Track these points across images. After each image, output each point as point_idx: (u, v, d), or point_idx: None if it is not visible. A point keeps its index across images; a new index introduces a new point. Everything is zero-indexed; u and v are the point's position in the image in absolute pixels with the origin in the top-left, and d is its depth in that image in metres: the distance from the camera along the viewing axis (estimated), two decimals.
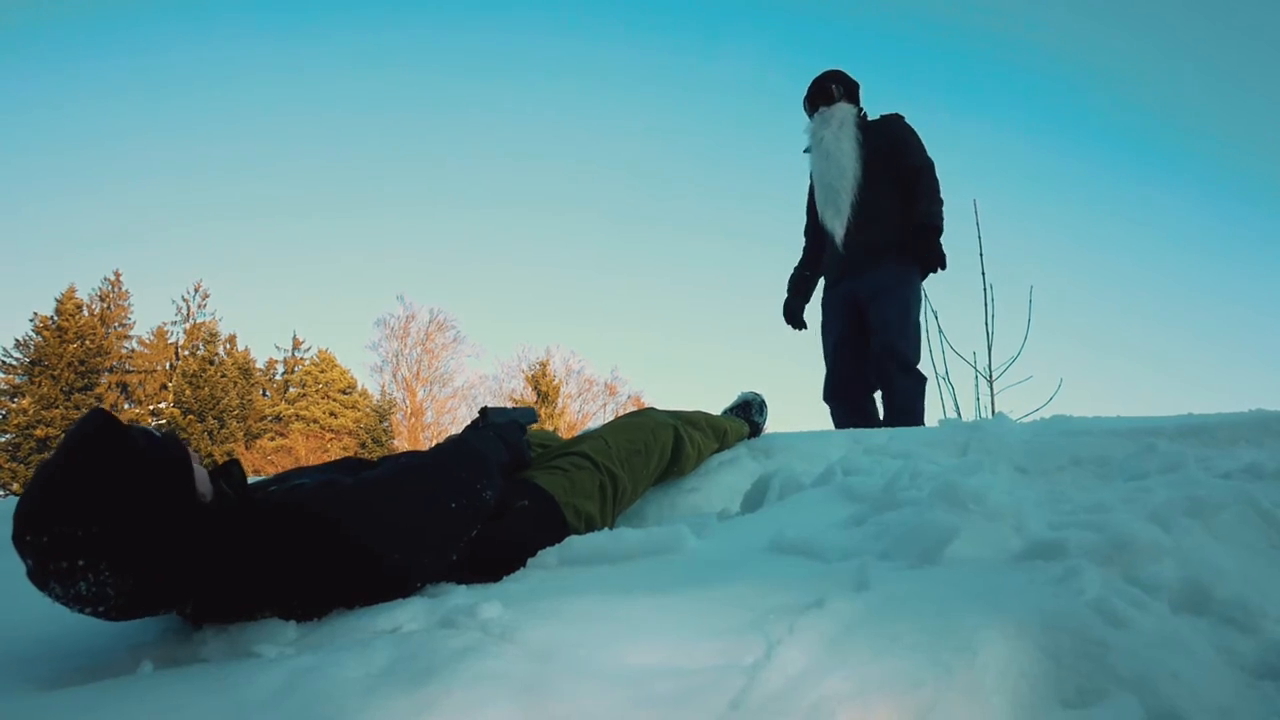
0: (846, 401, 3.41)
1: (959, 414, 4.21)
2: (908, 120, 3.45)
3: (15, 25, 30.96)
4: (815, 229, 3.60)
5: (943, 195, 3.31)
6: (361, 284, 37.57)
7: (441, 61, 37.09)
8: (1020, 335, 4.25)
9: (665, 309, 38.54)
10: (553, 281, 38.12)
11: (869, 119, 3.48)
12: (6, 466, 22.16)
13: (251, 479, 1.38)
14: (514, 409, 1.75)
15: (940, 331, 4.28)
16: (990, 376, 4.22)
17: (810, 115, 3.54)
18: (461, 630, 0.95)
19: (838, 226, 3.36)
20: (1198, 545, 1.13)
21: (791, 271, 3.73)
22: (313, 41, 35.25)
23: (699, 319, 38.04)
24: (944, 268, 3.29)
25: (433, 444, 1.49)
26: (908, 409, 3.18)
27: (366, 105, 36.42)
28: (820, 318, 3.55)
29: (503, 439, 1.58)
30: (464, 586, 1.22)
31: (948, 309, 4.26)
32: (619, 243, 38.79)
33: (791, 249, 3.72)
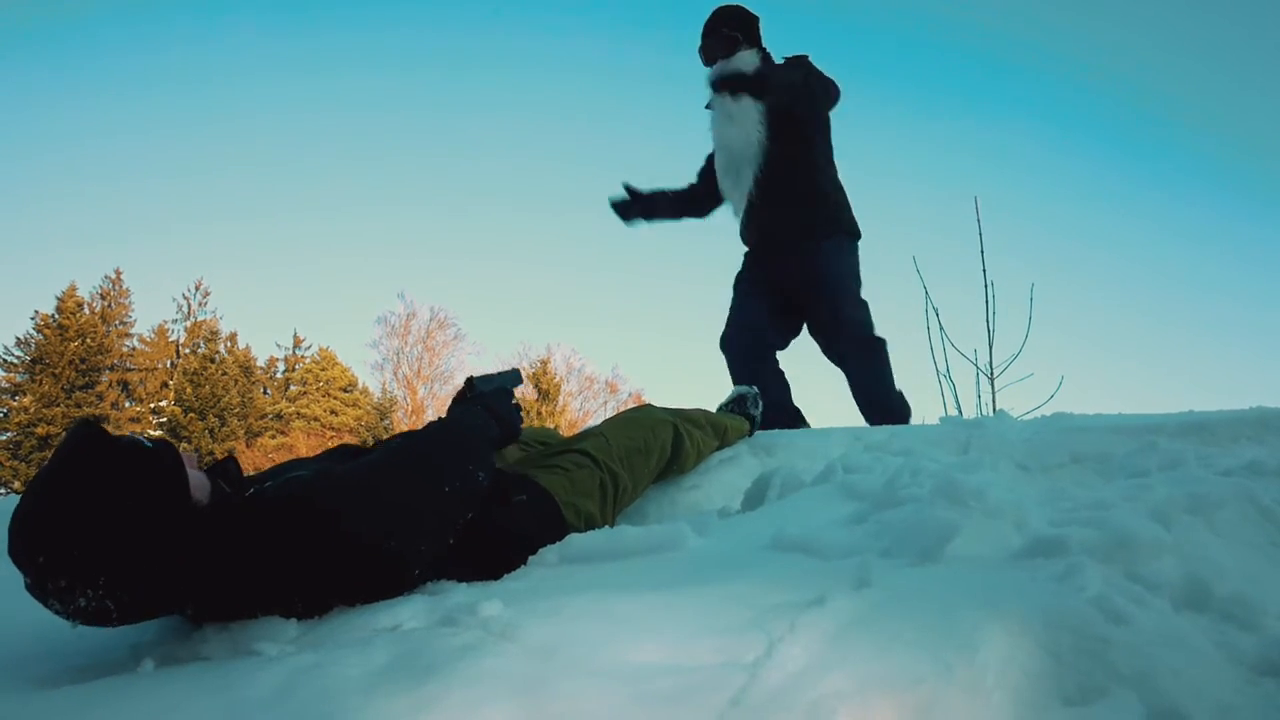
0: (744, 352, 3.01)
1: (960, 411, 4.20)
2: (813, 61, 2.96)
3: (16, 24, 30.93)
4: (709, 175, 3.16)
5: (809, 82, 2.83)
6: (362, 282, 37.66)
7: (443, 60, 37.07)
8: (1021, 332, 4.23)
9: (666, 307, 38.57)
10: (554, 279, 38.17)
11: (773, 64, 2.99)
12: (8, 465, 22.18)
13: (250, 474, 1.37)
14: (499, 374, 1.71)
15: (941, 329, 4.27)
16: (991, 374, 4.21)
17: (707, 65, 3.03)
18: (462, 628, 0.95)
19: (738, 197, 2.96)
20: (1198, 542, 1.13)
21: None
22: (314, 40, 35.24)
23: (701, 317, 38.07)
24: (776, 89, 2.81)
25: None
26: (876, 376, 2.89)
27: (367, 103, 36.43)
28: (737, 279, 3.15)
29: (492, 412, 1.54)
30: (464, 585, 1.22)
31: (949, 306, 4.25)
32: (620, 241, 38.75)
33: None
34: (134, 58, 34.26)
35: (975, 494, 1.23)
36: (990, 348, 4.23)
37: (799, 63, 2.93)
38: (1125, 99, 34.56)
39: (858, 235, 3.04)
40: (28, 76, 33.12)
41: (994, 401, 4.15)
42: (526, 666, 0.82)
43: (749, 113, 2.87)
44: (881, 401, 2.91)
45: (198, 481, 1.08)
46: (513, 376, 1.73)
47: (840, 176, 3.08)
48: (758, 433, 2.41)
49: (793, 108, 2.89)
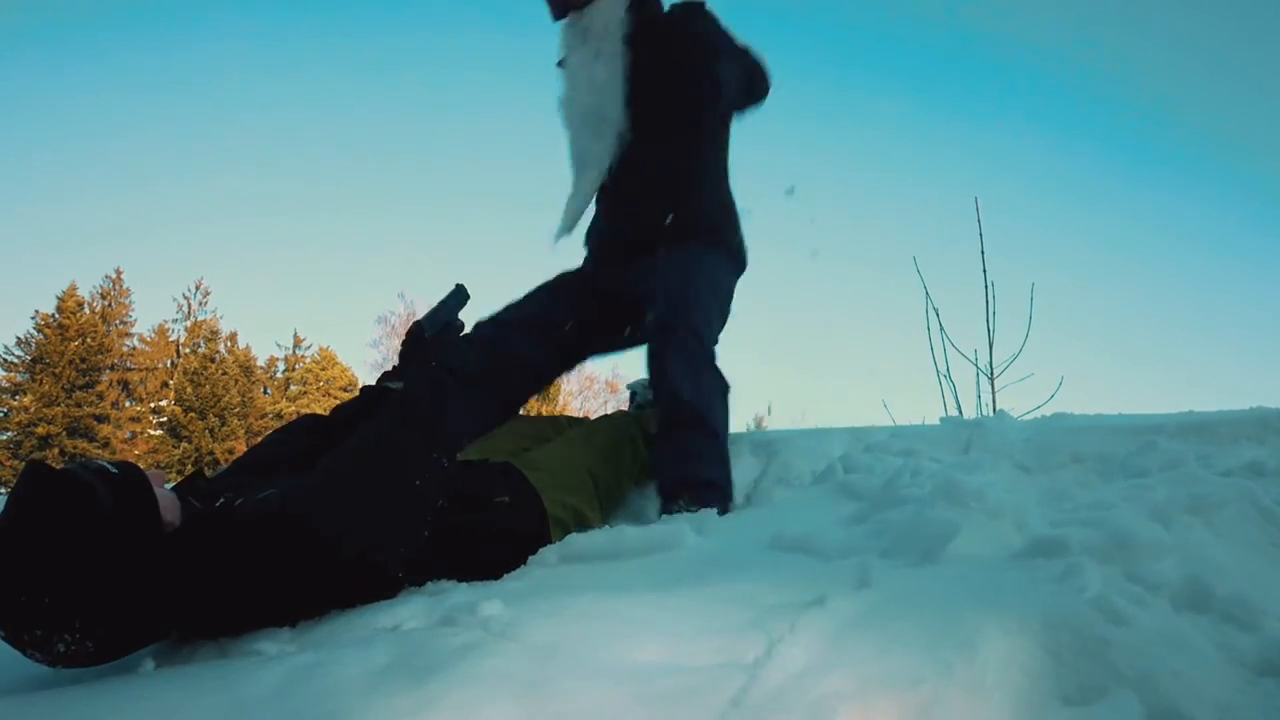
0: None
1: (960, 412, 4.20)
2: (709, 8, 2.02)
3: (16, 24, 30.95)
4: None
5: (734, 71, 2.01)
6: (362, 282, 37.67)
7: (443, 60, 37.09)
8: (1021, 333, 4.22)
9: None
10: None
11: (649, 13, 2.05)
12: (8, 464, 22.17)
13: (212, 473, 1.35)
14: (442, 303, 1.59)
15: (942, 329, 4.26)
16: (991, 374, 4.20)
17: (557, 18, 2.09)
18: (462, 628, 0.95)
19: (584, 194, 2.07)
20: (1199, 543, 1.13)
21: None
22: (315, 40, 35.27)
23: None
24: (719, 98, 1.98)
25: None
26: (697, 401, 1.75)
27: (368, 104, 36.46)
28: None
29: (447, 366, 1.51)
30: (464, 585, 1.22)
31: (949, 306, 4.25)
32: None
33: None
34: (134, 58, 34.33)
35: (975, 494, 1.23)
36: (990, 348, 4.22)
37: (696, 16, 1.99)
38: (1125, 99, 34.61)
39: (741, 261, 2.13)
40: (28, 76, 33.16)
41: (994, 402, 4.14)
42: (527, 666, 0.82)
43: (606, 83, 2.00)
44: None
45: (167, 502, 1.04)
46: (457, 299, 1.60)
47: (733, 188, 2.17)
48: (758, 432, 2.40)
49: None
